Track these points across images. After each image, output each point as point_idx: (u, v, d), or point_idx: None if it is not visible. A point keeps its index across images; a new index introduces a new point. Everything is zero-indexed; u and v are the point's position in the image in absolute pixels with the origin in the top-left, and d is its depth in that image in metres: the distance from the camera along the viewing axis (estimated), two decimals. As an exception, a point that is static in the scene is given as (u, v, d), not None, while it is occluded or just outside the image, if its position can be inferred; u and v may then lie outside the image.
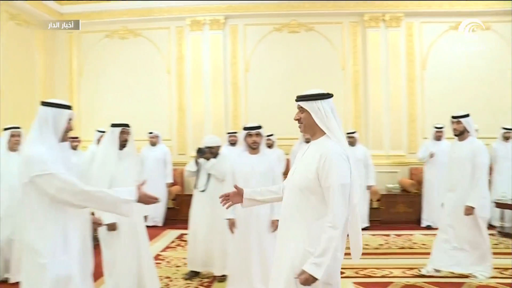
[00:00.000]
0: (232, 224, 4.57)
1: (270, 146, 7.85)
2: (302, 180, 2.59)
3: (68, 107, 2.85)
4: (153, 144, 8.74)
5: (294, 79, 9.48)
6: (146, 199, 2.82)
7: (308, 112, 2.64)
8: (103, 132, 7.36)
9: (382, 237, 7.41)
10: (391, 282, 5.16)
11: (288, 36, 9.66)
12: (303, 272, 2.44)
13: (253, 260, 4.56)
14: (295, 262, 2.52)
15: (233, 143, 7.74)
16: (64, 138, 2.85)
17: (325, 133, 2.62)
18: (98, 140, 7.72)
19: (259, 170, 4.57)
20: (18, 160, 5.12)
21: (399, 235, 7.51)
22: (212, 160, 5.36)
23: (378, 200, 8.54)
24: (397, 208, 8.46)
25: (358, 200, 2.58)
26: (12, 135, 5.45)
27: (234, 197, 3.05)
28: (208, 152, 5.39)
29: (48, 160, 2.63)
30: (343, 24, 9.58)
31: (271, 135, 7.98)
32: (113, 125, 4.46)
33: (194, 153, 5.59)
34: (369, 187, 8.15)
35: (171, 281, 5.34)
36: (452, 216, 5.24)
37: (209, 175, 5.40)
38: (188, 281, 5.31)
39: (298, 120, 2.71)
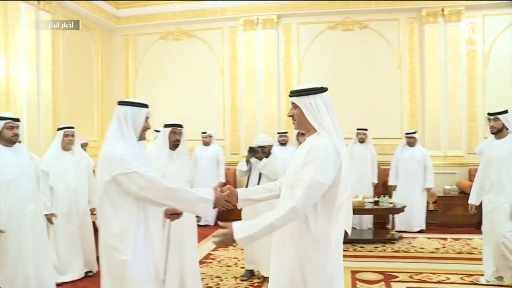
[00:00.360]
0: None
1: None
2: (292, 176, 2.51)
3: (145, 106, 2.89)
4: (206, 144, 8.81)
5: (348, 78, 9.34)
6: (222, 202, 2.79)
7: (301, 108, 2.52)
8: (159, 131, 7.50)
9: (439, 241, 7.19)
10: (448, 289, 4.98)
11: (342, 34, 9.50)
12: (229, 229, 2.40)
13: None
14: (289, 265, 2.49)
15: (283, 143, 7.71)
16: (141, 137, 2.88)
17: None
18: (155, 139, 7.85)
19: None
20: (72, 160, 5.32)
21: (456, 239, 7.25)
22: (264, 160, 5.33)
23: (434, 202, 8.27)
24: (455, 211, 8.15)
25: (344, 200, 2.41)
26: (66, 135, 5.47)
27: (229, 198, 2.91)
28: (260, 152, 5.37)
29: (131, 158, 2.68)
30: (399, 20, 9.31)
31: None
32: (165, 126, 4.56)
33: (246, 153, 5.58)
34: (427, 190, 7.94)
35: (221, 280, 5.38)
36: (489, 219, 5.01)
37: (260, 175, 5.37)
38: (239, 281, 5.31)
39: (292, 116, 2.61)
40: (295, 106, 2.56)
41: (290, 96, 2.58)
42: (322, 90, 2.51)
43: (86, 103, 9.42)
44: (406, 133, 8.16)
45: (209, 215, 2.51)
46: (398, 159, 8.16)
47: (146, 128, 2.89)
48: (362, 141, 8.20)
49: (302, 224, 2.44)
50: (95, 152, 8.42)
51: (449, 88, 8.96)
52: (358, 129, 8.26)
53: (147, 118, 2.89)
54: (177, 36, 10.06)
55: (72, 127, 5.58)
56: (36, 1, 7.64)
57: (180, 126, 4.60)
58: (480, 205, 5.18)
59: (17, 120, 4.31)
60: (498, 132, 4.88)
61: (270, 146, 5.50)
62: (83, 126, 9.00)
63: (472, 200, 5.19)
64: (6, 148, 4.22)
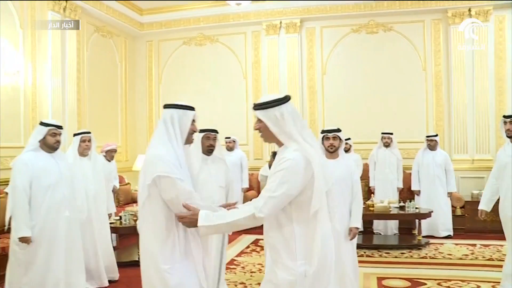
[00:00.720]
0: None
1: (347, 150, 7.65)
2: None
3: (192, 108, 2.83)
4: (230, 149, 8.78)
5: (373, 81, 9.25)
6: None
7: (265, 122, 2.45)
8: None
9: (467, 247, 7.02)
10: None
11: (366, 37, 9.40)
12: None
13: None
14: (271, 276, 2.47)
15: None
16: (188, 140, 2.83)
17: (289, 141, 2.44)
18: None
19: (337, 175, 4.41)
20: (89, 165, 5.25)
21: (486, 246, 7.07)
22: None
23: (462, 207, 8.08)
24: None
25: (321, 207, 2.36)
26: (83, 140, 5.31)
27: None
28: None
29: (173, 163, 2.62)
30: (424, 22, 9.17)
31: (348, 139, 7.78)
32: (200, 131, 4.50)
33: (269, 158, 5.53)
34: (449, 194, 7.81)
35: (245, 286, 5.32)
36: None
37: None
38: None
39: (258, 130, 2.52)
40: (259, 119, 2.47)
41: (254, 109, 2.48)
42: (285, 100, 2.43)
43: (110, 109, 9.52)
44: (427, 136, 8.03)
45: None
46: (419, 163, 8.03)
47: (193, 131, 2.82)
48: (387, 145, 8.09)
49: (278, 234, 2.43)
50: (119, 158, 8.52)
51: (476, 90, 8.77)
52: (383, 133, 8.16)
53: (193, 121, 2.83)
54: (200, 41, 10.10)
55: (89, 132, 5.45)
56: (62, 9, 7.76)
57: (214, 131, 4.59)
58: (493, 211, 5.03)
59: (60, 127, 4.37)
60: None
61: None
62: (106, 132, 9.12)
63: (483, 206, 4.98)
64: (47, 154, 4.29)
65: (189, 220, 2.50)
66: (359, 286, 4.67)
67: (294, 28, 9.46)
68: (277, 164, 2.39)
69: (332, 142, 4.46)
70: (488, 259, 6.38)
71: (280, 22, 9.49)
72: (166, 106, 2.82)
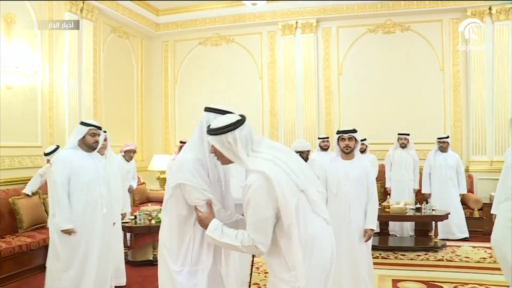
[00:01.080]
0: None
1: (363, 151, 7.60)
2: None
3: (228, 113, 2.70)
4: None
5: (389, 82, 9.16)
6: None
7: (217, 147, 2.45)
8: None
9: (485, 250, 6.89)
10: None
11: (383, 37, 9.31)
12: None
13: (343, 271, 4.40)
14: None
15: (325, 148, 7.60)
16: None
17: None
18: None
19: (353, 175, 4.43)
20: (105, 163, 5.05)
21: (505, 249, 6.90)
22: None
23: (479, 210, 7.95)
24: (503, 219, 7.79)
25: (289, 223, 2.34)
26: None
27: None
28: None
29: (197, 171, 2.62)
30: (442, 21, 9.04)
31: (364, 139, 7.72)
32: None
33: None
34: (461, 195, 7.71)
35: (259, 287, 5.30)
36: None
37: None
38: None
39: (214, 153, 2.54)
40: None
41: (207, 133, 2.48)
42: (238, 124, 2.40)
43: (126, 109, 9.59)
44: (439, 138, 7.91)
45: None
46: (431, 165, 7.93)
47: None
48: (403, 146, 8.00)
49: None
50: (134, 158, 8.57)
51: (495, 91, 8.60)
52: (399, 134, 8.07)
53: None
54: (216, 42, 10.11)
55: (105, 131, 5.39)
56: (79, 10, 7.84)
57: None
58: None
59: (100, 128, 4.48)
60: None
61: (308, 151, 5.43)
62: (123, 132, 9.20)
63: (494, 210, 4.68)
64: (86, 153, 4.39)
65: (201, 221, 2.56)
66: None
67: (310, 28, 9.42)
68: (243, 194, 2.40)
69: (348, 143, 4.44)
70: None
71: (296, 22, 9.45)
72: (206, 109, 2.75)
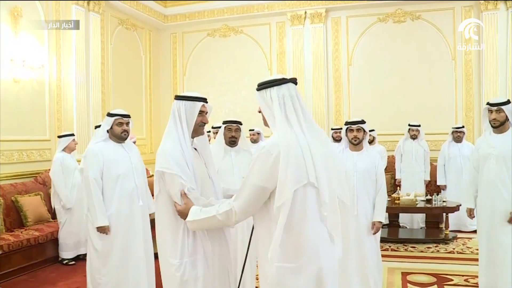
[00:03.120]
0: None
1: (370, 142, 7.51)
2: None
3: (201, 99, 2.76)
4: (254, 141, 8.69)
5: (400, 72, 9.03)
6: None
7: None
8: (218, 127, 7.42)
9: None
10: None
11: (393, 27, 9.17)
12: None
13: (351, 264, 4.33)
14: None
15: (337, 139, 7.52)
16: (198, 132, 2.79)
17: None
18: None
19: (361, 167, 4.35)
20: (137, 154, 5.01)
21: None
22: None
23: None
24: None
25: (280, 204, 2.14)
26: None
27: None
28: None
29: (175, 158, 2.60)
30: (454, 9, 8.87)
31: (372, 130, 7.62)
32: (223, 122, 4.58)
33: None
34: None
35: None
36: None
37: None
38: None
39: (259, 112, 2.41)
40: None
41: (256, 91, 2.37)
42: (277, 82, 2.28)
43: (134, 101, 9.57)
44: (455, 128, 7.77)
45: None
46: (445, 156, 7.80)
47: (202, 123, 2.77)
48: (414, 137, 7.89)
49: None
50: (143, 150, 8.58)
51: (509, 81, 8.43)
52: (410, 125, 7.95)
53: (202, 112, 2.76)
54: (224, 33, 10.04)
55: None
56: (86, 2, 7.80)
57: (235, 122, 4.55)
58: None
59: (127, 116, 4.35)
60: (501, 125, 4.22)
61: None
62: (134, 122, 9.17)
63: (471, 204, 4.53)
64: (117, 144, 4.32)
65: (181, 213, 2.53)
66: (382, 281, 4.56)
67: (319, 18, 9.30)
68: (254, 155, 2.29)
69: (356, 134, 4.36)
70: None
71: (305, 12, 9.34)
72: (176, 98, 2.78)
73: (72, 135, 6.41)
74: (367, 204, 4.34)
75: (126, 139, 4.35)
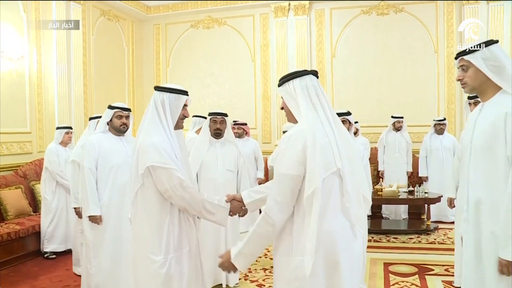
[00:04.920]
0: None
1: (355, 133, 7.51)
2: None
3: (185, 93, 2.76)
4: (239, 136, 8.51)
5: (383, 64, 9.07)
6: (238, 209, 2.75)
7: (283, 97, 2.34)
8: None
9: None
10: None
11: (377, 19, 9.18)
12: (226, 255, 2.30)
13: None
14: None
15: None
16: (179, 125, 2.77)
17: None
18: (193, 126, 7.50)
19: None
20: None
21: None
22: None
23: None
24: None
25: (311, 192, 2.08)
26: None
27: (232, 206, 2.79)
28: None
29: (167, 152, 2.56)
30: (437, 3, 8.91)
31: (356, 122, 7.65)
32: (208, 114, 4.66)
33: (278, 142, 5.44)
34: None
35: (250, 272, 5.28)
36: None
37: None
38: (268, 273, 5.22)
39: (282, 108, 2.41)
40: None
41: (278, 86, 2.37)
42: (298, 74, 2.28)
43: (117, 93, 9.47)
44: (438, 121, 7.82)
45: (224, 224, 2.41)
46: (427, 148, 7.87)
47: (184, 116, 2.76)
48: (398, 129, 7.94)
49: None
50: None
51: (489, 73, 8.50)
52: (393, 117, 7.99)
53: (185, 106, 2.76)
54: (208, 24, 9.97)
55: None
56: (66, -7, 7.69)
57: (220, 114, 4.59)
58: None
59: (127, 109, 4.35)
60: None
61: None
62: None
63: (452, 193, 4.56)
64: (116, 137, 4.33)
65: (226, 265, 2.30)
66: (365, 272, 4.58)
67: (303, 10, 9.29)
68: (280, 145, 2.25)
69: None
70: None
71: (289, 4, 9.31)
72: (158, 89, 2.73)
73: (66, 128, 6.26)
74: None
75: (125, 132, 4.34)
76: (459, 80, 2.52)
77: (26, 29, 7.14)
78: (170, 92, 2.70)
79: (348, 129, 4.43)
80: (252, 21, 9.74)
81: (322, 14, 9.39)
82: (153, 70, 10.38)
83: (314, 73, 2.33)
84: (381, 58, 9.09)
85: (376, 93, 9.06)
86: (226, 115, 4.64)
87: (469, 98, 4.39)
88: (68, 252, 6.06)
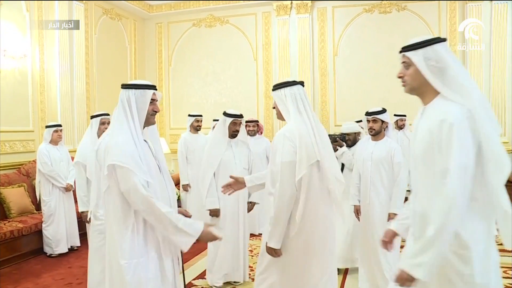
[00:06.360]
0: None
1: (401, 128, 7.60)
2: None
3: (151, 87, 2.62)
4: (253, 134, 8.33)
5: (386, 62, 9.01)
6: (207, 238, 2.59)
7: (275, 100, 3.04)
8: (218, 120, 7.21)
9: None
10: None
11: (379, 17, 9.16)
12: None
13: (378, 250, 4.18)
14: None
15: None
16: (149, 121, 2.64)
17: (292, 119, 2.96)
18: (213, 128, 7.49)
19: (376, 156, 4.29)
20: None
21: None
22: (343, 149, 5.12)
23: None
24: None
25: (302, 176, 2.86)
26: (102, 123, 4.97)
27: (235, 185, 3.41)
28: (339, 140, 5.17)
29: (129, 152, 2.43)
30: (439, 1, 8.88)
31: (360, 121, 7.62)
32: (226, 115, 4.69)
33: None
34: None
35: (252, 270, 5.26)
36: None
37: (343, 165, 5.14)
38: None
39: (274, 108, 3.10)
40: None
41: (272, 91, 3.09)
42: (288, 84, 3.00)
43: (119, 92, 9.40)
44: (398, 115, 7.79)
45: (185, 249, 2.38)
46: None
47: (154, 111, 2.62)
48: (401, 127, 7.92)
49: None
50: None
51: (493, 71, 8.48)
52: (396, 115, 7.97)
53: (154, 100, 2.61)
54: (210, 23, 9.97)
55: (108, 114, 5.07)
56: (69, -9, 7.70)
57: (241, 116, 4.68)
58: None
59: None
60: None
61: (355, 134, 5.28)
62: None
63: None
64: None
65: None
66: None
67: (305, 8, 9.27)
68: (274, 143, 2.96)
69: (372, 125, 4.34)
70: (500, 244, 6.21)
71: (291, 3, 9.30)
72: (124, 86, 2.61)
73: (54, 126, 6.16)
74: (381, 194, 4.27)
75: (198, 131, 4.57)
76: (399, 77, 2.35)
77: (29, 28, 7.14)
78: (135, 88, 2.58)
79: (381, 128, 4.34)
80: (254, 19, 9.73)
81: (324, 12, 9.38)
82: (155, 68, 10.38)
83: (302, 84, 3.04)
84: (383, 56, 9.05)
85: (379, 91, 9.02)
86: (242, 116, 4.76)
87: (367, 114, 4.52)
88: (70, 250, 6.09)
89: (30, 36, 7.18)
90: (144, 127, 2.63)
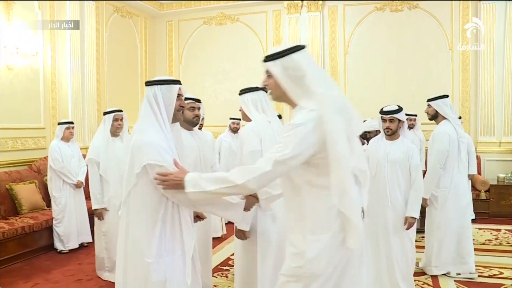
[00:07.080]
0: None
1: (410, 127, 7.53)
2: None
3: (176, 82, 2.56)
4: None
5: (397, 61, 9.00)
6: (251, 204, 2.87)
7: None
8: (237, 119, 7.32)
9: (491, 232, 6.82)
10: (501, 284, 4.65)
11: (390, 16, 9.11)
12: None
13: (381, 259, 4.18)
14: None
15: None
16: (176, 118, 2.58)
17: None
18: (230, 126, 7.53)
19: (392, 158, 4.11)
20: (122, 146, 4.85)
21: (511, 231, 6.82)
22: (363, 147, 5.03)
23: (486, 191, 7.83)
24: (510, 200, 7.69)
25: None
26: (115, 119, 4.89)
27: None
28: (360, 138, 5.09)
29: (164, 149, 2.40)
30: (452, 0, 8.81)
31: (365, 121, 7.58)
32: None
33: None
34: (470, 176, 7.54)
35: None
36: None
37: None
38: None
39: (266, 86, 2.38)
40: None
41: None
42: (254, 89, 3.38)
43: (129, 90, 9.52)
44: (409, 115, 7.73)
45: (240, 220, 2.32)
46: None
47: (180, 107, 2.57)
48: (411, 127, 7.86)
49: None
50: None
51: (506, 71, 8.39)
52: (406, 115, 7.89)
53: (180, 95, 2.56)
54: (221, 21, 9.98)
55: (121, 111, 5.01)
56: (80, -10, 7.73)
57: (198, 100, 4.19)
58: None
59: (198, 101, 4.04)
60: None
61: (376, 132, 5.00)
62: (126, 113, 9.09)
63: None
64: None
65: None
66: (412, 279, 4.31)
67: (316, 6, 9.25)
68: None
69: (389, 125, 4.12)
70: (500, 244, 6.21)
71: (302, 1, 9.28)
72: (148, 83, 2.56)
73: (67, 123, 6.16)
74: (398, 197, 4.11)
75: (197, 124, 4.06)
76: (265, 86, 2.31)
77: (41, 26, 7.18)
78: (160, 84, 2.52)
79: (398, 128, 4.15)
80: (265, 17, 9.72)
81: (335, 10, 9.35)
82: (165, 66, 10.41)
83: (264, 89, 3.14)
84: (395, 55, 9.02)
85: (389, 90, 8.98)
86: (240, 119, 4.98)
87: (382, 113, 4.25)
88: (80, 246, 6.12)
89: (42, 34, 7.22)
90: (173, 123, 2.60)
